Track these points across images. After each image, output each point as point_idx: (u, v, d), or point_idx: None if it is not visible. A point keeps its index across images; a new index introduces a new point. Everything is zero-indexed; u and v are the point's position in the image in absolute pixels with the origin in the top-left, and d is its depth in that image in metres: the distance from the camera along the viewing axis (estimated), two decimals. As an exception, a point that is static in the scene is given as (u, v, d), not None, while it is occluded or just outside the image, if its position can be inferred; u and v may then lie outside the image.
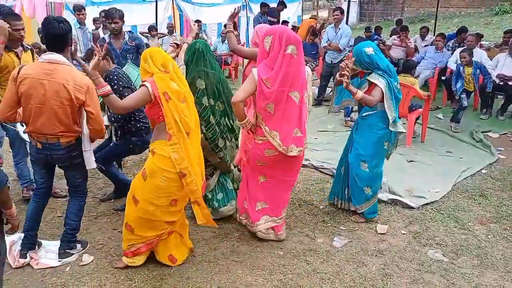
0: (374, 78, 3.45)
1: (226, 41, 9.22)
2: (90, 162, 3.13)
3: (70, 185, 3.21)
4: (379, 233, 3.55)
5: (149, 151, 2.94)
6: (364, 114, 3.61)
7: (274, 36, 2.98)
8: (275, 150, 3.08)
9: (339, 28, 7.00)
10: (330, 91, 7.73)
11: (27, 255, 3.12)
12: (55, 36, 2.84)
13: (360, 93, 3.42)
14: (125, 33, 4.94)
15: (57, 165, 3.13)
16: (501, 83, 6.74)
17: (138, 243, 2.97)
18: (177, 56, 3.61)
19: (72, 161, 3.04)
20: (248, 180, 3.37)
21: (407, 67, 5.84)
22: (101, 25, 6.98)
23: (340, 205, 3.85)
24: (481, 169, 4.84)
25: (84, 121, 3.01)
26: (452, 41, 8.45)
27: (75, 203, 3.20)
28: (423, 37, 9.11)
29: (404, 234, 3.55)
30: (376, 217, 3.74)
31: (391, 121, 3.47)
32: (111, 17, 4.73)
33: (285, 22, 11.72)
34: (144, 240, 2.97)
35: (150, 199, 2.83)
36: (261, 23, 10.68)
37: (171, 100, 2.72)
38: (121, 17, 4.78)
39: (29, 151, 3.37)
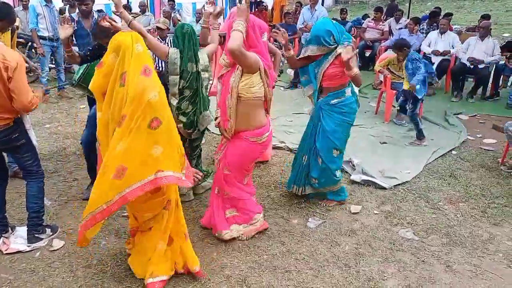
0: (342, 48, 3.26)
1: (201, 21, 9.04)
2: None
3: (21, 168, 3.08)
4: (352, 213, 3.61)
5: None
6: (332, 102, 3.46)
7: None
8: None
9: (315, 10, 6.97)
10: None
11: (0, 239, 3.04)
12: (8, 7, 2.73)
13: (356, 69, 3.23)
14: (94, 12, 4.84)
15: None
16: (472, 67, 6.88)
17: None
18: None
19: (14, 143, 2.90)
20: (237, 187, 3.15)
21: (400, 45, 5.55)
22: (68, 4, 6.70)
23: (298, 191, 3.74)
24: (451, 151, 4.96)
25: None
26: (425, 23, 8.54)
27: (32, 186, 3.08)
28: (397, 20, 9.17)
29: (376, 214, 3.62)
30: (346, 198, 3.76)
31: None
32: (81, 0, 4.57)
33: (261, 3, 11.57)
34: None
35: None
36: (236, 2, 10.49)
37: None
38: None
39: None
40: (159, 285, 2.65)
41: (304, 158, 3.65)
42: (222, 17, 5.31)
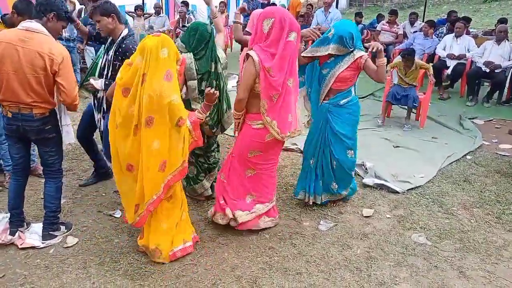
0: (361, 52, 3.36)
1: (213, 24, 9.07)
2: (70, 136, 3.11)
3: (44, 164, 3.14)
4: (365, 217, 3.59)
5: None
6: (342, 102, 3.44)
7: (275, 20, 2.82)
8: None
9: (329, 12, 6.97)
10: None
11: (16, 233, 3.09)
12: (29, 2, 2.79)
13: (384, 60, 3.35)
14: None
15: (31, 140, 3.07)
16: (488, 71, 6.79)
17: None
18: None
19: (46, 135, 2.96)
20: (234, 175, 3.20)
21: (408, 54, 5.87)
22: (84, 7, 6.80)
23: (308, 198, 3.66)
24: (465, 155, 4.90)
25: None
26: (444, 27, 8.46)
27: (51, 185, 3.13)
28: (412, 23, 9.10)
29: (389, 218, 3.60)
30: (352, 195, 3.84)
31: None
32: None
33: (273, 5, 11.58)
34: None
35: None
36: (250, 4, 10.53)
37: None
38: None
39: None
40: (190, 249, 3.01)
41: (311, 162, 3.63)
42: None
